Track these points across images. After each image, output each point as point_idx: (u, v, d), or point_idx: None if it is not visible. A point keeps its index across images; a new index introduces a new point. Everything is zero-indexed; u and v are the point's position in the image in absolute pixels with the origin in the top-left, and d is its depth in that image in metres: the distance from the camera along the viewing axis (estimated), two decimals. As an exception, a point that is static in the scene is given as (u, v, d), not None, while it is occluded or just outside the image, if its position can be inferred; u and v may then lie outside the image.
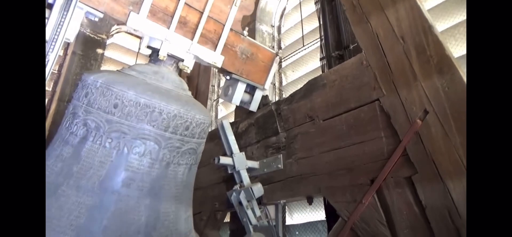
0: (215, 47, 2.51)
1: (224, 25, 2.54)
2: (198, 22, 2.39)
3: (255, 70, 2.86)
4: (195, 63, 2.48)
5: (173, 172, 1.87)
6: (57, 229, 1.44)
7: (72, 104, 1.86)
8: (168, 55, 2.24)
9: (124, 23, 2.14)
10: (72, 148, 1.68)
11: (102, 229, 1.54)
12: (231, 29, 2.59)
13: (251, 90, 2.94)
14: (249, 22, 4.30)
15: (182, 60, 2.33)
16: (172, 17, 2.26)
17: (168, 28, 2.25)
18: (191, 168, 2.05)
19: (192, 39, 2.37)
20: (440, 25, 2.60)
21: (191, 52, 2.36)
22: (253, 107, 2.94)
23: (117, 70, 2.19)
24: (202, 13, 2.40)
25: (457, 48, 2.48)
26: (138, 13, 2.13)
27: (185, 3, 2.30)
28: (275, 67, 3.02)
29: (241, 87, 2.82)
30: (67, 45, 4.12)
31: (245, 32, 2.74)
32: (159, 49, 2.21)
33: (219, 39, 2.52)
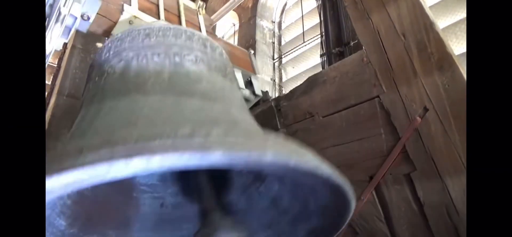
0: None
1: (199, 27, 2.83)
2: (180, 24, 2.63)
3: (242, 63, 3.09)
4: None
5: (231, 84, 1.63)
6: (146, 93, 1.19)
7: (92, 69, 1.57)
8: None
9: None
10: (114, 82, 1.36)
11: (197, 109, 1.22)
12: (207, 31, 2.87)
13: (248, 85, 3.02)
14: (250, 17, 4.28)
15: None
16: (158, 15, 2.48)
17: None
18: (242, 100, 1.77)
19: None
20: (441, 22, 2.60)
21: None
22: (257, 90, 3.04)
23: None
24: (179, 16, 2.67)
25: (458, 46, 2.48)
26: (130, 5, 2.29)
27: (164, 8, 2.54)
28: (255, 60, 3.22)
29: (238, 74, 2.95)
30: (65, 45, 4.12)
31: (230, 28, 3.02)
32: None
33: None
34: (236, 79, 1.84)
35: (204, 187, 1.30)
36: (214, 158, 0.65)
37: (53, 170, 0.60)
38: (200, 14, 3.06)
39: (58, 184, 0.61)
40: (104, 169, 0.59)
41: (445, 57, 1.71)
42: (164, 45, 1.50)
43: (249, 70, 3.12)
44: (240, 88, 1.85)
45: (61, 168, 0.60)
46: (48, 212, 1.07)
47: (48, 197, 0.69)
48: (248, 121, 1.48)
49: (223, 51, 1.84)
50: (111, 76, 1.37)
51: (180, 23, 2.68)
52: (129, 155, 0.60)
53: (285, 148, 0.87)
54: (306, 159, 0.83)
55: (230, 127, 1.10)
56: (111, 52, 1.50)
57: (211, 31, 3.07)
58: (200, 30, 2.85)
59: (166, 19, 2.55)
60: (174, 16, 2.67)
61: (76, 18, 1.83)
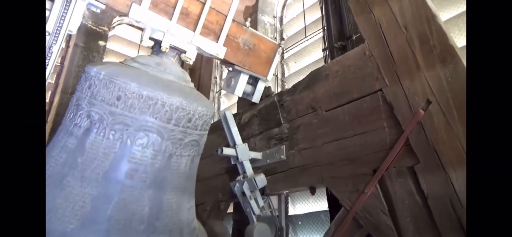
0: (217, 38, 2.50)
1: (226, 16, 2.51)
2: (200, 13, 2.37)
3: (258, 61, 2.85)
4: (198, 54, 2.48)
5: (176, 163, 1.90)
6: (63, 218, 1.49)
7: (75, 96, 1.89)
8: (170, 46, 2.24)
9: (126, 15, 2.13)
10: (76, 139, 1.72)
11: (107, 219, 1.58)
12: (233, 20, 2.57)
13: (253, 81, 2.93)
14: (251, 13, 4.28)
15: (185, 52, 2.33)
16: (174, 8, 2.25)
17: (170, 20, 2.23)
18: (194, 160, 2.07)
19: (194, 31, 2.35)
20: (443, 15, 2.58)
21: (193, 43, 2.35)
22: (256, 98, 2.94)
23: (119, 62, 2.20)
24: (204, 4, 2.37)
25: (461, 38, 2.46)
26: (140, 5, 2.12)
27: None
28: (277, 58, 3.00)
29: (243, 78, 2.80)
30: (69, 38, 4.12)
31: (247, 23, 2.72)
32: (161, 41, 2.20)
33: (221, 30, 2.50)
34: (197, 142, 2.06)
35: None
36: None
37: None
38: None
39: None
40: None
41: (447, 50, 1.71)
42: (124, 121, 1.76)
43: (263, 71, 2.87)
44: (197, 150, 2.10)
45: None
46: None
47: None
48: (165, 213, 1.85)
49: (198, 111, 1.99)
50: (78, 130, 1.75)
51: (202, 11, 2.32)
52: None
53: None
54: None
55: None
56: (88, 95, 1.81)
57: (241, 18, 2.66)
58: (226, 17, 2.45)
59: (184, 8, 2.23)
60: (197, 4, 2.33)
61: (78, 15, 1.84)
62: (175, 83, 2.08)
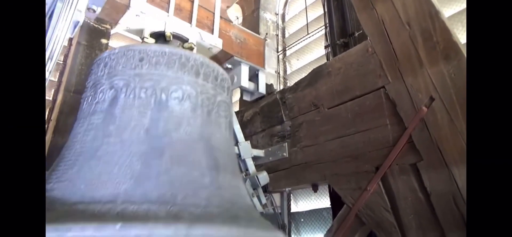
0: (212, 31, 2.65)
1: (214, 13, 2.70)
2: (191, 10, 2.53)
3: (251, 53, 3.04)
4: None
5: (216, 121, 1.72)
6: (109, 182, 1.29)
7: (88, 85, 1.75)
8: (172, 36, 2.26)
9: (127, 7, 2.19)
10: (102, 113, 1.53)
11: (164, 172, 1.38)
12: (221, 17, 2.75)
13: (253, 78, 3.00)
14: (253, 10, 4.27)
15: (187, 39, 2.35)
16: (169, 3, 2.39)
17: (167, 12, 2.35)
18: (230, 126, 1.90)
19: (190, 23, 2.48)
20: (447, 11, 2.57)
21: (192, 32, 2.45)
22: (261, 88, 3.02)
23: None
24: (192, 2, 2.56)
25: (464, 34, 2.45)
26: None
27: None
28: (268, 50, 3.18)
29: (244, 69, 2.95)
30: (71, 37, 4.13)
31: (236, 21, 2.91)
32: (164, 31, 2.24)
33: (213, 24, 2.68)
34: (228, 105, 1.90)
35: None
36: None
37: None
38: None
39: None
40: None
41: (451, 46, 1.70)
42: (153, 78, 1.60)
43: (259, 63, 3.08)
44: (230, 116, 1.87)
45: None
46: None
47: None
48: (224, 170, 1.61)
49: (220, 72, 1.89)
50: (101, 104, 1.55)
51: (193, 7, 2.54)
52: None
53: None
54: None
55: (188, 201, 1.29)
56: (106, 72, 1.65)
57: (226, 16, 2.96)
58: (214, 13, 2.71)
59: (177, 4, 2.45)
60: (187, 1, 2.57)
61: (81, 11, 1.83)
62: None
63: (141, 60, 1.63)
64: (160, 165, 1.38)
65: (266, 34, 3.70)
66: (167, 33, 2.20)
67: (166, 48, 1.72)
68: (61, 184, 1.31)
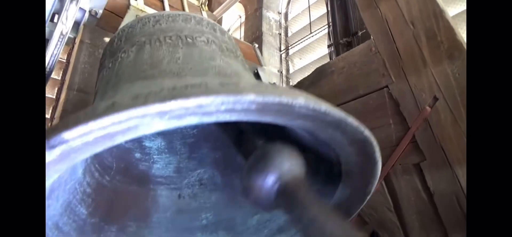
0: None
1: None
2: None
3: (247, 57, 3.09)
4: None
5: (243, 64, 1.58)
6: (165, 73, 1.19)
7: (105, 57, 1.60)
8: None
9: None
10: (129, 63, 1.35)
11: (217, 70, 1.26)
12: None
13: (255, 77, 3.02)
14: (256, 9, 4.26)
15: None
16: (162, 4, 2.47)
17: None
18: (252, 74, 1.86)
19: None
20: (451, 10, 2.56)
21: None
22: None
23: None
24: (183, 6, 2.66)
25: (468, 34, 2.44)
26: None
27: (169, 4, 2.55)
28: (258, 53, 3.22)
29: None
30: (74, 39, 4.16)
31: (237, 20, 2.96)
32: None
33: None
34: (246, 64, 1.81)
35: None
36: (248, 100, 0.63)
37: (81, 120, 0.54)
38: (203, 10, 3.05)
39: (89, 136, 0.56)
40: (139, 113, 0.56)
41: (455, 45, 1.69)
42: (175, 29, 1.51)
43: (257, 63, 3.10)
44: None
45: (93, 115, 0.55)
46: (69, 197, 1.08)
47: (80, 155, 0.64)
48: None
49: (232, 37, 1.86)
50: (125, 60, 1.37)
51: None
52: (163, 98, 0.57)
53: (314, 98, 0.88)
54: (334, 109, 0.82)
55: (254, 81, 1.12)
56: (123, 40, 1.53)
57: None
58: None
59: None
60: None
61: (84, 11, 1.84)
62: None
63: (157, 22, 1.54)
64: (210, 77, 1.24)
65: (253, 42, 3.70)
66: None
67: (179, 13, 1.64)
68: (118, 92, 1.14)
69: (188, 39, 1.47)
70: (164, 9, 2.45)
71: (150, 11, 2.30)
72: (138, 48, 1.41)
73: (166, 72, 1.23)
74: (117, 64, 1.40)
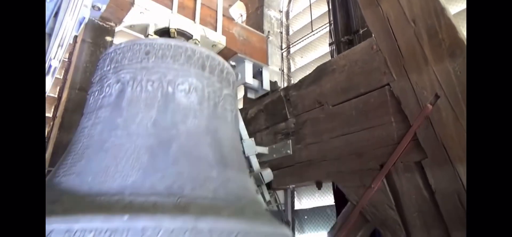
0: (215, 28, 2.65)
1: (216, 11, 2.71)
2: (194, 8, 2.53)
3: (255, 51, 3.02)
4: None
5: (223, 115, 1.73)
6: (117, 174, 1.29)
7: (95, 80, 1.75)
8: (177, 32, 2.27)
9: (131, 4, 2.20)
10: (109, 107, 1.54)
11: (171, 164, 1.38)
12: (223, 15, 2.75)
13: (257, 75, 3.00)
14: (257, 7, 4.26)
15: (191, 36, 2.36)
16: (172, 1, 2.38)
17: (171, 10, 2.34)
18: (236, 119, 1.91)
19: (194, 20, 2.48)
20: (452, 8, 2.55)
21: (197, 29, 2.45)
22: (265, 85, 3.00)
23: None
24: (195, 0, 2.57)
25: (470, 31, 2.43)
26: (143, -3, 2.23)
27: None
28: (270, 47, 3.16)
29: (248, 66, 2.92)
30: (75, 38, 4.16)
31: (239, 19, 2.90)
32: (168, 27, 2.24)
33: (216, 22, 2.68)
34: (234, 99, 1.92)
35: None
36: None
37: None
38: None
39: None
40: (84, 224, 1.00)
41: (456, 43, 1.69)
42: (160, 71, 1.61)
43: (263, 60, 3.07)
44: (235, 110, 1.90)
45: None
46: None
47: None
48: (231, 163, 1.62)
49: (226, 66, 1.90)
50: (108, 98, 1.57)
51: (196, 5, 2.54)
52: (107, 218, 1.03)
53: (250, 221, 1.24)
54: None
55: (195, 193, 1.31)
56: (112, 66, 1.67)
57: (229, 14, 2.93)
58: (217, 11, 2.72)
59: (180, 3, 2.44)
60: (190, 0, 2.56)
61: (88, 7, 1.83)
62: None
63: (147, 54, 1.64)
64: (168, 157, 1.39)
65: (269, 32, 3.69)
66: (172, 29, 2.21)
67: (172, 41, 1.73)
68: (69, 177, 1.33)
69: (169, 87, 1.59)
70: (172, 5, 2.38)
71: (157, 6, 2.26)
72: (121, 88, 1.57)
73: (135, 139, 1.40)
74: (101, 99, 1.58)
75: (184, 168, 1.38)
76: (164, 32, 2.25)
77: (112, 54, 1.71)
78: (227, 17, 2.84)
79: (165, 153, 1.39)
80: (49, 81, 1.40)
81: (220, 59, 1.87)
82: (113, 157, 1.35)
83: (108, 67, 1.67)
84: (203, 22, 2.55)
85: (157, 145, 1.41)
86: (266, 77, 3.04)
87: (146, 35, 2.27)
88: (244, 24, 3.13)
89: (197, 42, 2.36)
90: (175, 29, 2.23)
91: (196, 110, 1.59)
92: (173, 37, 2.22)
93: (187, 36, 2.34)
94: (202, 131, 1.56)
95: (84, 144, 1.46)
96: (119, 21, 2.38)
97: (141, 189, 1.24)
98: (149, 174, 1.31)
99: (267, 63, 3.09)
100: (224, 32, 2.70)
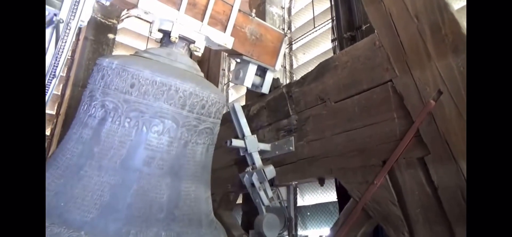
0: (224, 28, 2.52)
1: (232, 6, 2.54)
2: (207, 4, 2.39)
3: (265, 51, 2.87)
4: (205, 48, 2.49)
5: (192, 151, 1.88)
6: (82, 207, 1.49)
7: (88, 88, 1.89)
8: (179, 37, 2.25)
9: (135, 6, 2.15)
10: (91, 130, 1.72)
11: (126, 207, 1.57)
12: (239, 10, 2.59)
13: (261, 73, 2.93)
14: (259, 4, 4.25)
15: (193, 42, 2.34)
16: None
17: (178, 10, 2.26)
18: (209, 149, 2.05)
19: (202, 21, 2.37)
20: (456, 3, 2.53)
21: (201, 33, 2.37)
22: (265, 89, 2.93)
23: (130, 54, 2.22)
24: None
25: (473, 27, 2.41)
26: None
27: None
28: (284, 48, 3.01)
29: (252, 69, 2.81)
30: (79, 31, 4.17)
31: (253, 13, 2.75)
32: (170, 32, 2.22)
33: (228, 20, 2.53)
34: (212, 129, 2.05)
35: None
36: None
37: None
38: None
39: None
40: None
41: (460, 39, 1.68)
42: (140, 108, 1.75)
43: (271, 61, 2.89)
44: (210, 139, 2.07)
45: None
46: None
47: None
48: (184, 200, 1.83)
49: (210, 98, 1.97)
50: (92, 120, 1.75)
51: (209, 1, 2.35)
52: None
53: None
54: None
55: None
56: (102, 86, 1.81)
57: (246, 8, 2.72)
58: (232, 6, 2.49)
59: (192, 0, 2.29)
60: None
61: (84, 22, 1.84)
62: (187, 72, 2.10)
63: (132, 86, 1.79)
64: (126, 199, 1.59)
65: (283, 29, 3.59)
66: (173, 38, 2.20)
67: (158, 76, 1.82)
68: (49, 194, 1.52)
69: (144, 127, 1.74)
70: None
71: (162, 6, 2.21)
72: (103, 116, 1.73)
73: (103, 175, 1.61)
74: (86, 118, 1.76)
75: (135, 211, 1.58)
76: (167, 33, 2.25)
77: (104, 71, 1.84)
78: (244, 12, 2.67)
79: (124, 195, 1.59)
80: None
81: (204, 93, 1.96)
82: (83, 187, 1.56)
83: (99, 84, 1.82)
84: (212, 21, 2.43)
85: (119, 185, 1.60)
86: (268, 81, 2.94)
87: (150, 32, 2.28)
88: (262, 21, 2.89)
89: (197, 49, 2.35)
90: (175, 37, 2.20)
91: (164, 152, 1.77)
92: (174, 42, 2.22)
93: (189, 41, 2.33)
94: (164, 172, 1.75)
95: (66, 160, 1.67)
96: (128, 6, 2.29)
97: (95, 229, 1.45)
98: (105, 214, 1.51)
99: (274, 65, 2.92)
100: (234, 31, 2.56)
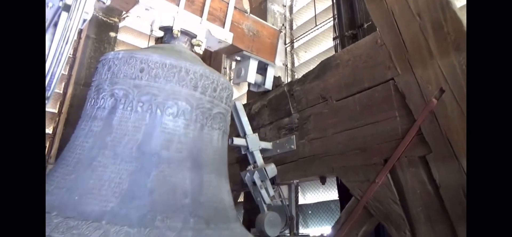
0: (223, 24, 2.57)
1: (228, 4, 2.60)
2: (204, 0, 2.44)
3: (263, 47, 2.93)
4: (205, 49, 2.51)
5: (209, 135, 1.81)
6: (99, 198, 1.40)
7: (94, 84, 1.84)
8: (181, 31, 2.26)
9: (136, 1, 2.17)
10: (101, 121, 1.64)
11: (148, 193, 1.48)
12: (235, 8, 2.65)
13: (262, 70, 2.95)
14: (261, 2, 4.24)
15: (195, 36, 2.34)
16: None
17: (178, 6, 2.29)
18: (224, 136, 1.99)
19: (201, 17, 2.41)
20: (458, 1, 2.52)
21: (202, 27, 2.40)
22: (268, 84, 2.95)
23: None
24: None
25: (476, 25, 2.40)
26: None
27: None
28: (280, 43, 3.06)
29: (253, 64, 2.84)
30: (80, 29, 4.18)
31: (248, 11, 2.80)
32: (172, 26, 2.23)
33: (226, 16, 2.58)
34: (225, 115, 2.00)
35: None
36: None
37: None
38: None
39: None
40: None
41: (462, 37, 1.67)
42: (152, 92, 1.69)
43: (270, 56, 2.95)
44: (225, 125, 1.98)
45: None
46: None
47: None
48: (208, 186, 1.73)
49: (220, 83, 1.94)
50: (102, 112, 1.67)
51: None
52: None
53: None
54: None
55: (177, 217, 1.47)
56: (109, 76, 1.75)
57: (242, 6, 2.79)
58: (228, 4, 2.56)
59: None
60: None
61: (88, 13, 1.83)
62: (195, 57, 2.10)
63: (141, 71, 1.72)
64: (146, 185, 1.50)
65: (283, 25, 3.63)
66: (175, 31, 2.20)
67: (167, 59, 1.78)
68: (60, 191, 1.45)
69: (158, 110, 1.66)
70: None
71: (162, 3, 2.22)
72: (113, 104, 1.66)
73: (119, 162, 1.52)
74: (95, 110, 1.68)
75: (159, 196, 1.49)
76: (168, 29, 2.25)
77: (110, 62, 1.78)
78: (240, 10, 2.74)
79: (145, 181, 1.50)
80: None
81: (214, 76, 1.91)
82: (99, 178, 1.47)
83: (105, 76, 1.75)
84: (211, 17, 2.48)
85: (138, 171, 1.51)
86: (270, 76, 2.97)
87: (151, 30, 2.28)
88: (256, 18, 2.96)
89: (199, 43, 2.35)
90: (178, 30, 2.21)
91: (181, 134, 1.69)
92: (176, 37, 2.22)
93: (190, 36, 2.33)
94: (183, 156, 1.65)
95: (76, 155, 1.58)
96: (126, 12, 2.33)
97: (117, 217, 1.37)
98: (126, 202, 1.42)
99: (274, 60, 2.98)
100: (232, 28, 2.62)
